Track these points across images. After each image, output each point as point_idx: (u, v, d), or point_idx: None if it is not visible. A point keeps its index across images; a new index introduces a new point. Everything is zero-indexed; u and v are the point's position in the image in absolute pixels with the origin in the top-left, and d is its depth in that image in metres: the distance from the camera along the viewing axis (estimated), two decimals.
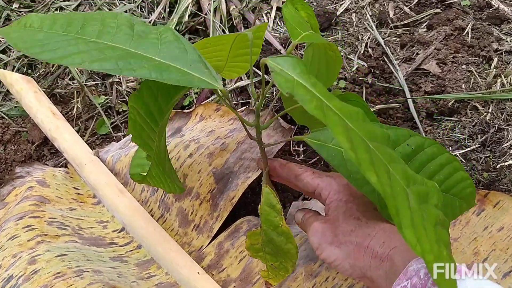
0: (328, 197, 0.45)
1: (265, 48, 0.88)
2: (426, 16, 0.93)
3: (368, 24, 0.93)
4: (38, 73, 0.91)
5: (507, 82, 0.80)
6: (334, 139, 0.43)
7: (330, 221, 0.44)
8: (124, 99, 0.88)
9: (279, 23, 0.97)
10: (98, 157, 0.75)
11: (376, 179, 0.27)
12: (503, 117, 0.76)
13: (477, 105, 0.78)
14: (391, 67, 0.86)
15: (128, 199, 0.68)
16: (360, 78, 0.83)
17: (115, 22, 0.40)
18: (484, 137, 0.75)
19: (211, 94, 0.87)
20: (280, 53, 0.88)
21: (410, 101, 0.80)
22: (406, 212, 0.28)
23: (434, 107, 0.79)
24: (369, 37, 0.91)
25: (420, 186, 0.32)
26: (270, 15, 0.97)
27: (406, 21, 0.92)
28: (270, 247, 0.50)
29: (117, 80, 0.89)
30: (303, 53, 0.89)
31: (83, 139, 0.79)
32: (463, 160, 0.73)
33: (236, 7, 0.94)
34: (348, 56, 0.89)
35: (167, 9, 0.97)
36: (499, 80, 0.81)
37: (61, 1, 1.00)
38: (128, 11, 0.99)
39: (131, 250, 0.65)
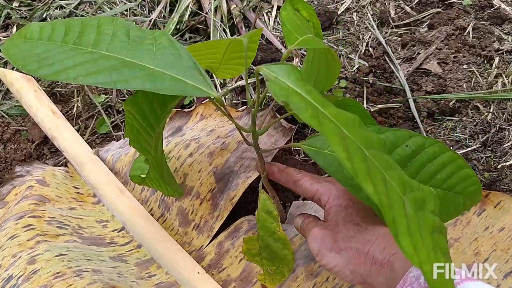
0: (328, 202, 0.45)
1: (266, 47, 0.88)
2: (427, 15, 0.92)
3: (369, 24, 0.93)
4: None
5: (508, 82, 0.80)
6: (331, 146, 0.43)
7: (329, 226, 0.44)
8: (124, 98, 0.88)
9: (280, 22, 0.96)
10: (98, 156, 0.74)
11: (373, 189, 0.27)
12: (504, 117, 0.76)
13: (478, 105, 0.78)
14: (392, 67, 0.85)
15: (128, 199, 0.68)
16: (361, 78, 0.83)
17: (111, 28, 0.40)
18: (485, 137, 0.74)
19: None
20: (281, 52, 0.88)
21: (411, 101, 0.80)
22: (402, 221, 0.28)
23: (435, 107, 0.79)
24: (370, 37, 0.91)
25: (416, 192, 0.32)
26: (271, 14, 0.96)
27: (407, 21, 0.92)
28: (266, 253, 0.50)
29: None
30: (305, 52, 0.89)
31: (83, 138, 0.79)
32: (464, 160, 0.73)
33: (236, 6, 0.94)
34: (349, 56, 0.88)
35: (168, 8, 0.97)
36: (500, 80, 0.81)
37: (61, 0, 1.00)
38: (128, 10, 0.98)
39: (131, 250, 0.65)
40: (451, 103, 0.78)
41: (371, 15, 0.94)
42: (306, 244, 0.58)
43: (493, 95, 0.78)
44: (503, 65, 0.83)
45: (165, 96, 0.42)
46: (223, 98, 0.84)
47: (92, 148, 0.76)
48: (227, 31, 0.91)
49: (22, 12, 1.00)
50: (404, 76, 0.83)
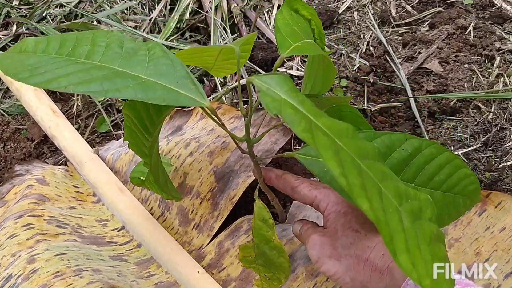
0: (326, 209, 0.44)
1: (266, 47, 0.88)
2: (429, 14, 0.92)
3: (370, 23, 0.93)
4: None
5: (510, 81, 0.80)
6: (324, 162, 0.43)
7: (328, 233, 0.43)
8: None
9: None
10: (98, 155, 0.74)
11: (368, 206, 0.27)
12: (505, 116, 0.76)
13: (479, 104, 0.78)
14: (393, 66, 0.85)
15: (128, 198, 0.67)
16: (362, 77, 0.83)
17: (105, 41, 0.40)
18: (486, 136, 0.74)
19: (212, 93, 0.86)
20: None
21: (412, 100, 0.80)
22: (400, 236, 0.28)
23: (436, 106, 0.78)
24: (371, 36, 0.91)
25: (413, 201, 0.32)
26: (272, 13, 0.96)
27: (408, 20, 0.92)
28: (262, 260, 0.49)
29: None
30: None
31: (83, 137, 0.79)
32: (465, 159, 0.73)
33: (237, 5, 0.94)
34: (350, 55, 0.88)
35: (168, 7, 0.97)
36: (502, 79, 0.80)
37: None
38: (128, 8, 0.98)
39: (131, 249, 0.65)
40: (452, 103, 0.78)
41: (372, 14, 0.94)
42: None
43: (494, 95, 0.78)
44: (504, 65, 0.82)
45: None
46: (223, 97, 0.84)
47: (92, 147, 0.76)
48: (228, 30, 0.91)
49: (22, 11, 1.00)
50: (405, 75, 0.83)
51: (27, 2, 1.01)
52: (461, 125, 0.77)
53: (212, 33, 0.90)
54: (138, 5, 0.99)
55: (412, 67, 0.84)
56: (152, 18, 0.95)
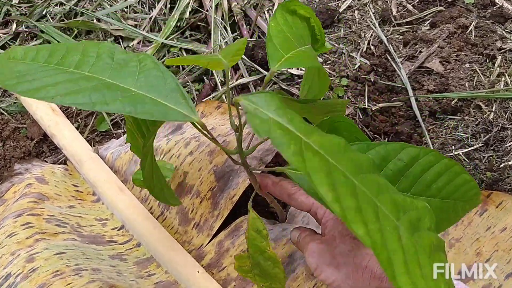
0: (324, 216, 0.44)
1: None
2: (430, 13, 0.92)
3: (371, 22, 0.92)
4: None
5: (511, 81, 0.80)
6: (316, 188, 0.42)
7: (327, 241, 0.43)
8: None
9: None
10: (98, 154, 0.74)
11: (364, 231, 0.26)
12: (506, 116, 0.76)
13: (480, 104, 0.78)
14: (394, 65, 0.85)
15: (128, 197, 0.67)
16: (363, 76, 0.83)
17: (96, 51, 0.40)
18: (488, 136, 0.74)
19: (212, 91, 0.86)
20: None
21: (413, 100, 0.79)
22: (398, 257, 0.27)
23: (437, 106, 0.78)
24: (371, 35, 0.90)
25: (411, 212, 0.31)
26: (272, 12, 0.96)
27: (409, 19, 0.91)
28: (258, 270, 0.49)
29: None
30: None
31: (82, 136, 0.79)
32: (466, 159, 0.73)
33: (237, 3, 0.94)
34: (351, 54, 0.88)
35: (168, 5, 0.96)
36: (503, 79, 0.80)
37: None
38: (128, 7, 0.98)
39: (131, 248, 0.65)
40: (453, 102, 0.78)
41: (373, 13, 0.94)
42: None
43: (495, 94, 0.78)
44: (505, 64, 0.82)
45: None
46: (223, 96, 0.84)
47: (91, 146, 0.76)
48: (228, 28, 0.91)
49: (22, 9, 1.00)
50: (406, 74, 0.83)
51: (27, 1, 1.01)
52: (462, 125, 0.76)
53: (212, 32, 0.90)
54: (138, 4, 0.99)
55: (413, 66, 0.84)
56: (152, 16, 0.95)
